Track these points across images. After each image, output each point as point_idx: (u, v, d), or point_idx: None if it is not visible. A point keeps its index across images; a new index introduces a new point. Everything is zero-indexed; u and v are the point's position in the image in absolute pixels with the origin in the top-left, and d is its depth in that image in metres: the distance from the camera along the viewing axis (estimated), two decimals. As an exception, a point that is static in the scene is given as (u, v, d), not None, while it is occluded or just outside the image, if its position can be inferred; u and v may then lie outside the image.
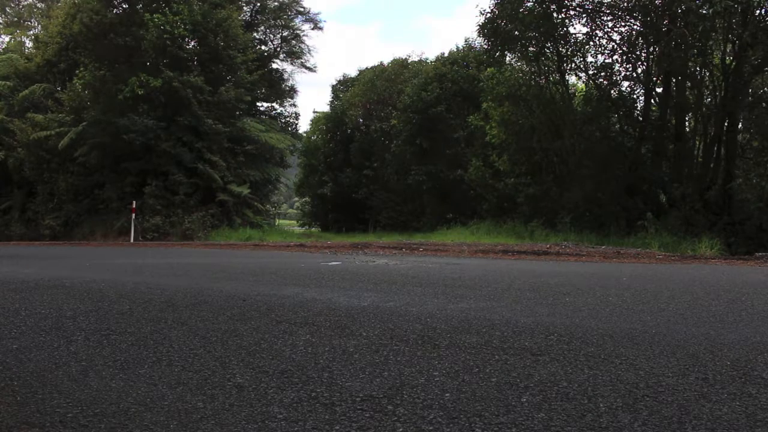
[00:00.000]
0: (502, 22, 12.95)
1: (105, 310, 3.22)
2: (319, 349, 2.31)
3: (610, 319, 2.75)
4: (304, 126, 34.21)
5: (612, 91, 13.14)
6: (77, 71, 19.23)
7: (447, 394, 1.74)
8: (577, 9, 12.73)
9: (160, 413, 1.65)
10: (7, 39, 27.40)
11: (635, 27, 12.34)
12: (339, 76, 41.06)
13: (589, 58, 13.44)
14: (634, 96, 13.29)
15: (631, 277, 4.52)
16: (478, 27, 13.37)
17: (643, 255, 6.88)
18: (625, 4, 12.02)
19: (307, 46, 22.99)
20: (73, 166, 19.22)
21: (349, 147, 26.52)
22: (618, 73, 12.91)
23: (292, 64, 23.07)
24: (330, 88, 32.51)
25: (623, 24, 12.47)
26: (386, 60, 28.53)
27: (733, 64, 11.15)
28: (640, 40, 12.38)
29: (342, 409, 1.64)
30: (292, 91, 23.04)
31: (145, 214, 16.77)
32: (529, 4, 12.65)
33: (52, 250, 11.89)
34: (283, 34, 22.87)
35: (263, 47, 22.33)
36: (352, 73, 30.51)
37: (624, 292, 3.60)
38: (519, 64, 15.03)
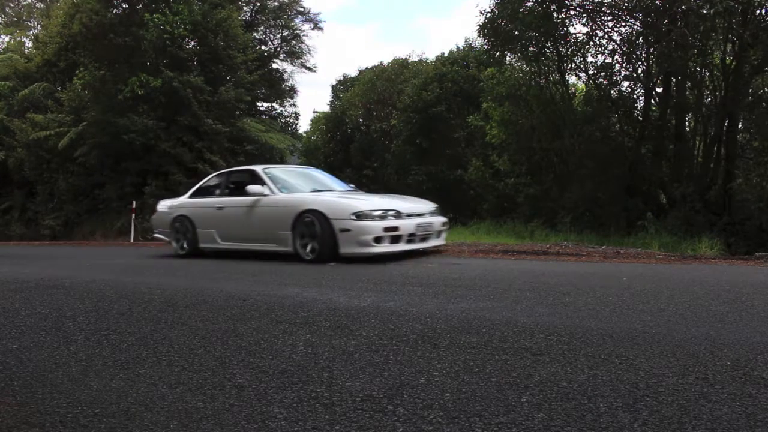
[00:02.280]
0: (502, 22, 12.95)
1: (105, 310, 3.22)
2: (319, 349, 2.31)
3: (610, 319, 2.75)
4: (304, 126, 34.23)
5: (612, 91, 13.13)
6: (77, 71, 19.24)
7: (447, 394, 1.74)
8: (577, 9, 12.73)
9: (160, 413, 1.65)
10: (7, 39, 27.43)
11: (635, 27, 12.34)
12: (339, 76, 41.05)
13: (589, 58, 13.44)
14: (634, 96, 13.29)
15: (631, 277, 4.52)
16: (478, 27, 13.38)
17: (643, 255, 6.88)
18: (626, 5, 12.01)
19: (307, 46, 23.02)
20: (73, 166, 19.23)
21: (349, 147, 26.52)
22: (618, 73, 12.92)
23: (292, 64, 23.09)
24: (330, 88, 32.55)
25: (623, 24, 12.47)
26: (386, 60, 28.55)
27: (733, 64, 11.15)
28: (640, 40, 12.38)
29: (342, 409, 1.64)
30: (292, 91, 23.06)
31: (145, 214, 16.76)
32: (529, 4, 12.66)
33: (52, 250, 11.89)
34: (283, 34, 22.88)
35: (263, 47, 22.34)
36: (352, 73, 30.54)
37: (624, 292, 3.59)
38: (519, 64, 15.03)
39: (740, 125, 12.19)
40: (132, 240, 15.42)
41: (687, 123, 13.08)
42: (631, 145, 12.96)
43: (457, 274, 4.81)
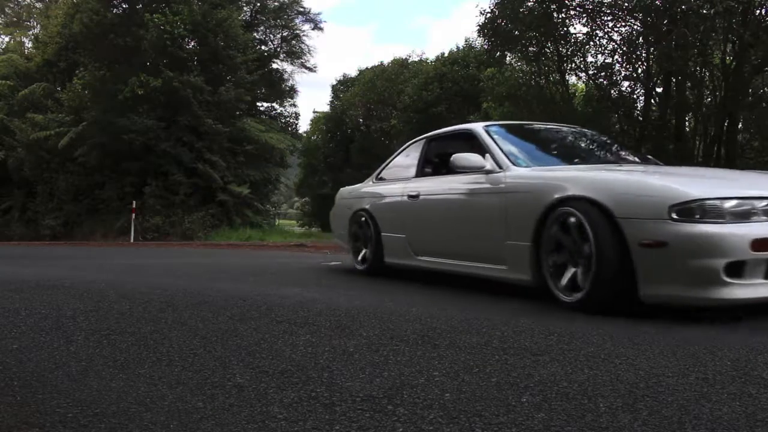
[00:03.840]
0: (502, 22, 12.94)
1: (105, 310, 3.21)
2: (319, 349, 2.31)
3: (610, 319, 2.75)
4: (304, 126, 34.23)
5: (612, 91, 13.13)
6: (77, 71, 19.26)
7: (447, 394, 1.74)
8: (578, 9, 12.72)
9: (160, 413, 1.64)
10: (7, 39, 27.45)
11: (635, 27, 12.33)
12: (339, 76, 41.08)
13: (589, 58, 13.43)
14: (634, 96, 13.28)
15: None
16: (478, 27, 13.37)
17: (643, 255, 6.86)
18: (626, 5, 12.00)
19: (307, 46, 23.03)
20: (73, 166, 19.24)
21: (349, 147, 26.54)
22: (618, 73, 12.91)
23: (292, 64, 23.10)
24: (330, 88, 32.57)
25: (623, 24, 12.46)
26: (386, 60, 28.57)
27: (733, 64, 11.15)
28: (640, 40, 12.37)
29: (342, 409, 1.64)
30: (292, 91, 23.07)
31: (145, 214, 16.79)
32: (529, 4, 12.65)
33: (52, 250, 11.89)
34: (283, 34, 22.89)
35: (263, 47, 22.35)
36: (352, 73, 30.58)
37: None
38: (519, 64, 15.02)
39: (740, 125, 12.18)
40: (132, 240, 15.43)
41: (687, 123, 13.08)
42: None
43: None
